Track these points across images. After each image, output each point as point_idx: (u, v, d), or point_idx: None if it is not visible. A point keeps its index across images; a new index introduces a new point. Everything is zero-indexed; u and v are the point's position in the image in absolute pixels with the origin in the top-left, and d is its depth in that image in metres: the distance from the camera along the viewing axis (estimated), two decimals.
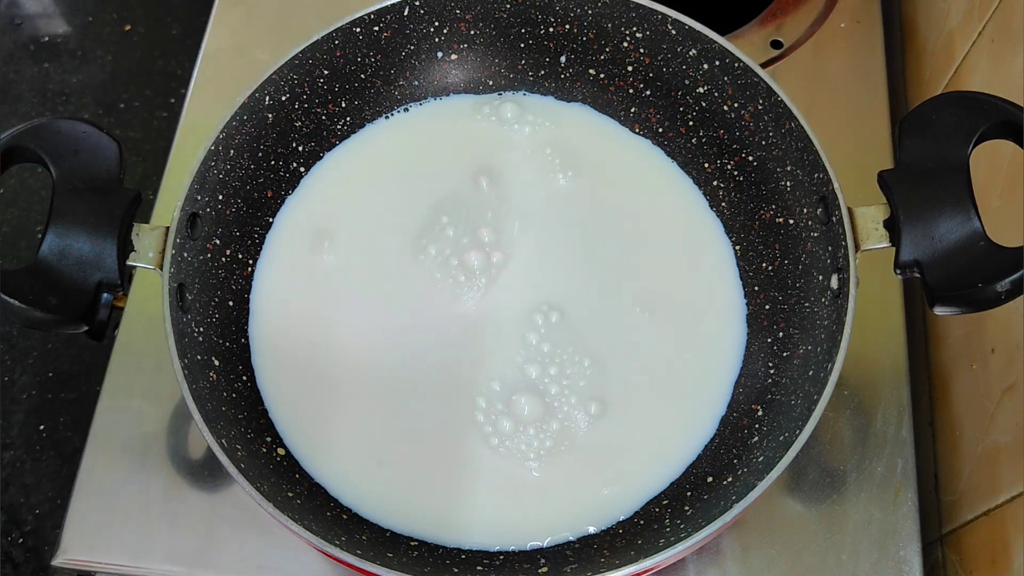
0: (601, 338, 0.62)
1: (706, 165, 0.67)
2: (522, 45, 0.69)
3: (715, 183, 0.67)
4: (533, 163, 0.68)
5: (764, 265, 0.63)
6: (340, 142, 0.69)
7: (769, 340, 0.61)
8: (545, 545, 0.57)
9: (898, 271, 0.54)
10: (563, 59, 0.69)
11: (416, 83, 0.70)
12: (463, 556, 0.57)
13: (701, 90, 0.65)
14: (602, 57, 0.68)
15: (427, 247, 0.64)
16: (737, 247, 0.65)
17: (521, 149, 0.68)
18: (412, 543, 0.57)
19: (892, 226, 0.54)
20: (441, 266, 0.64)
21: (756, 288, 0.63)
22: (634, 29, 0.66)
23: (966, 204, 0.53)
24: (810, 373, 0.56)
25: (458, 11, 0.67)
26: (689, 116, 0.67)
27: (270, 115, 0.64)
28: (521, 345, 0.62)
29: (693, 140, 0.67)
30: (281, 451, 0.59)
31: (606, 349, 0.62)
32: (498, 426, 0.59)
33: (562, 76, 0.70)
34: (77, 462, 0.66)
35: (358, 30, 0.65)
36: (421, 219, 0.66)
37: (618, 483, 0.59)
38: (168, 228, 0.56)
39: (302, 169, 0.67)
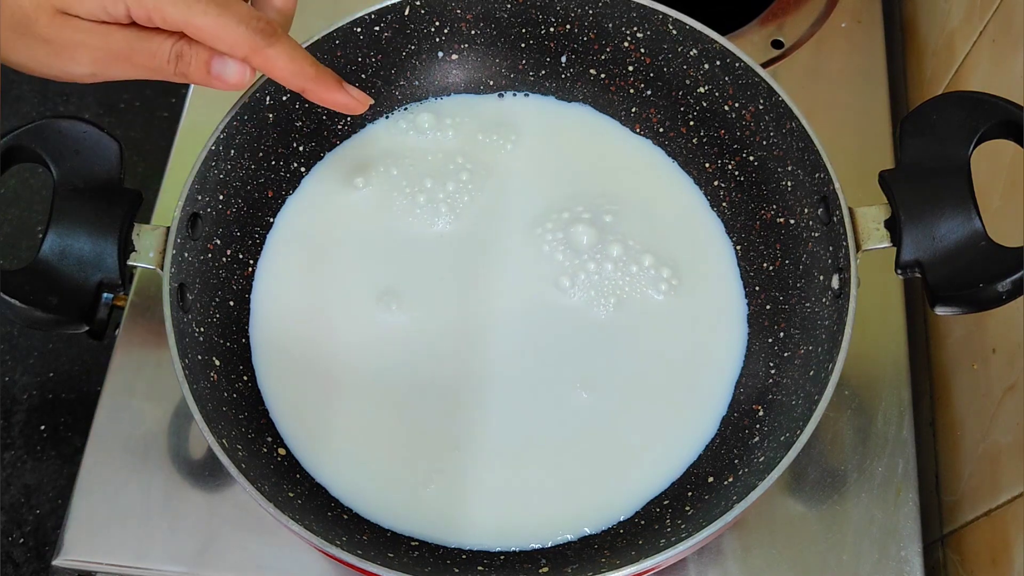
0: (600, 337, 0.62)
1: (707, 165, 0.67)
2: (523, 45, 0.69)
3: (716, 183, 0.66)
4: (485, 150, 0.68)
5: (765, 265, 0.63)
6: (341, 142, 0.69)
7: (770, 340, 0.61)
8: (546, 545, 0.57)
9: (899, 271, 0.54)
10: (564, 59, 0.69)
11: (417, 83, 0.70)
12: (464, 556, 0.57)
13: (702, 90, 0.65)
14: (603, 57, 0.68)
15: (435, 242, 0.65)
16: (738, 247, 0.65)
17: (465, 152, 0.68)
18: (413, 543, 0.57)
19: (893, 226, 0.54)
20: (448, 263, 0.64)
21: (757, 288, 0.63)
22: (635, 29, 0.65)
23: (967, 204, 0.53)
24: (811, 373, 0.56)
25: (459, 11, 0.67)
26: (690, 116, 0.67)
27: (271, 115, 0.64)
28: (526, 340, 0.62)
29: (694, 140, 0.67)
30: (282, 451, 0.59)
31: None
32: (499, 423, 0.59)
33: (563, 76, 0.70)
34: (78, 462, 0.66)
35: (358, 30, 0.65)
36: (425, 215, 0.65)
37: (618, 483, 0.58)
38: (169, 228, 0.56)
39: (303, 169, 0.67)
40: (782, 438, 0.55)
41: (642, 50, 0.66)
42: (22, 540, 0.81)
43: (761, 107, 0.62)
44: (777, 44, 0.82)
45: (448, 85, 0.70)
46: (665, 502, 0.58)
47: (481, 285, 0.63)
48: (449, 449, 0.59)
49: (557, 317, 0.62)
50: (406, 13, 0.66)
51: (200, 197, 0.59)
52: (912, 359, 0.69)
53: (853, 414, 0.67)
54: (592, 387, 0.61)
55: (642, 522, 0.57)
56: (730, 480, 0.56)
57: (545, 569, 0.55)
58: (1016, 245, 0.51)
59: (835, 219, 0.56)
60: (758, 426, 0.58)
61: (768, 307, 0.62)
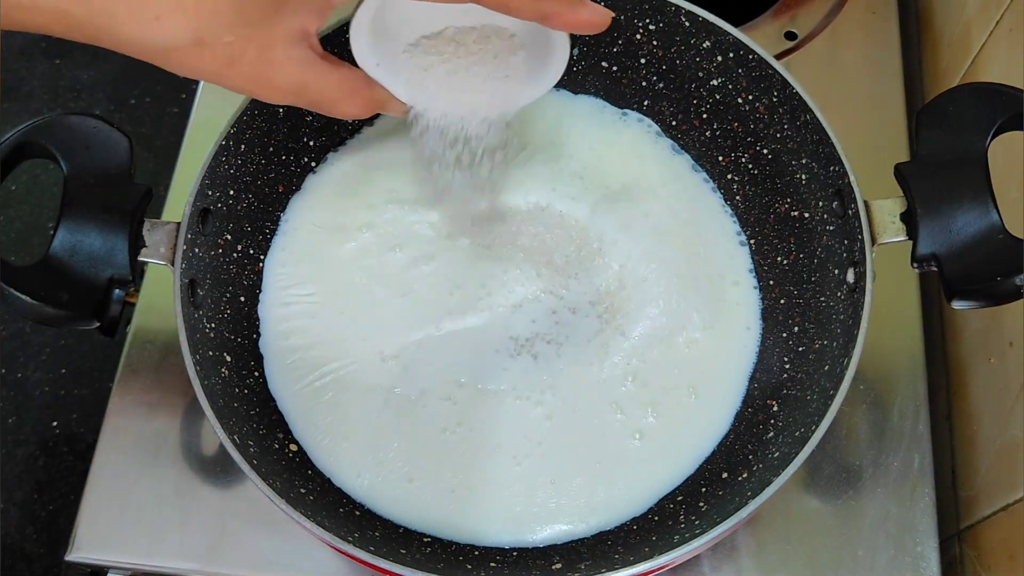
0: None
1: (720, 158, 0.66)
2: None
3: (729, 176, 0.66)
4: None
5: (779, 259, 0.63)
6: (351, 136, 0.68)
7: (784, 335, 0.61)
8: (559, 542, 0.57)
9: (915, 265, 0.53)
10: (575, 51, 0.68)
11: None
12: (476, 552, 0.56)
13: (715, 82, 0.65)
14: (614, 49, 0.67)
15: (445, 237, 0.64)
16: (752, 241, 0.64)
17: None
18: (425, 539, 0.57)
19: (909, 219, 0.54)
20: (459, 256, 0.64)
21: (771, 282, 0.63)
22: (647, 21, 0.65)
23: (984, 197, 0.52)
24: (826, 368, 0.56)
25: None
26: (703, 109, 0.66)
27: (281, 109, 0.63)
28: (529, 339, 0.61)
29: (707, 133, 0.67)
30: (293, 447, 0.59)
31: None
32: (511, 417, 0.59)
33: (574, 69, 0.69)
34: (90, 458, 0.66)
35: None
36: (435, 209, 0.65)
37: (632, 479, 0.58)
38: (179, 224, 0.56)
39: (313, 163, 0.67)
40: (797, 433, 0.54)
41: (654, 42, 0.66)
42: (35, 536, 0.81)
43: (775, 99, 0.61)
44: (791, 36, 0.81)
45: None
46: (679, 498, 0.57)
47: (493, 282, 0.63)
48: (461, 445, 0.59)
49: (568, 312, 0.62)
50: None
51: (210, 192, 0.59)
52: (928, 353, 0.68)
53: (868, 409, 0.67)
54: (605, 384, 0.60)
55: (656, 519, 0.57)
56: (744, 476, 0.56)
57: (558, 566, 0.54)
58: None
59: (850, 212, 0.56)
60: (773, 421, 0.58)
61: (782, 301, 0.62)
